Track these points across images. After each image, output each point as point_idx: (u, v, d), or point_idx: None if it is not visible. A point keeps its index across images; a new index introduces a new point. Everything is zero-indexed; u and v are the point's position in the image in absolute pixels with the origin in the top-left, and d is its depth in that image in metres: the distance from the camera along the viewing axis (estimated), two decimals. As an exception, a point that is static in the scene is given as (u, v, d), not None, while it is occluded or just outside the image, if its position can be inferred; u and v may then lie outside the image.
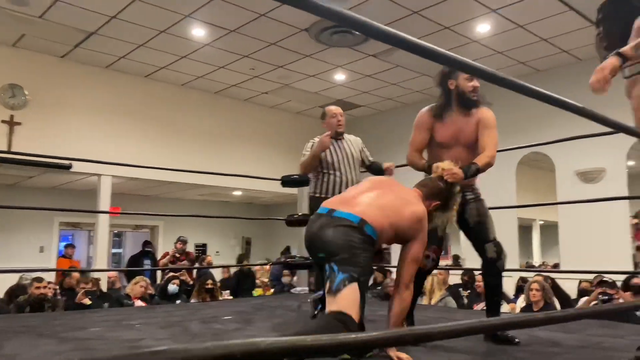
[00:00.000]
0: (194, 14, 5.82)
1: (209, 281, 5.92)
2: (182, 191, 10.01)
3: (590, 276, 5.70)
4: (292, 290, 6.68)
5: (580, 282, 5.94)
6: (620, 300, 4.40)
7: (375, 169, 3.55)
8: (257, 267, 8.03)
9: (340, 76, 7.79)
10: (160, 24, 6.07)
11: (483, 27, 6.09)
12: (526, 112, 7.12)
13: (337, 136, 3.49)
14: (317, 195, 3.43)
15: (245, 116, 9.03)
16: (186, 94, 8.36)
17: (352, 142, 3.56)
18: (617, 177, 6.48)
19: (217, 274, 7.93)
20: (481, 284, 5.56)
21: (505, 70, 7.01)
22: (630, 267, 6.32)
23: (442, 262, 11.66)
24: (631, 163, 7.67)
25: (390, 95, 8.61)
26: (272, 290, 7.48)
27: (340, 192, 3.30)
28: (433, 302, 5.66)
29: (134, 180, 8.09)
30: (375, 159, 3.65)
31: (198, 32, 6.30)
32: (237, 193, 10.48)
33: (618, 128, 1.11)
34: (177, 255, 7.61)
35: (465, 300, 6.18)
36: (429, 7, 5.57)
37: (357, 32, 6.04)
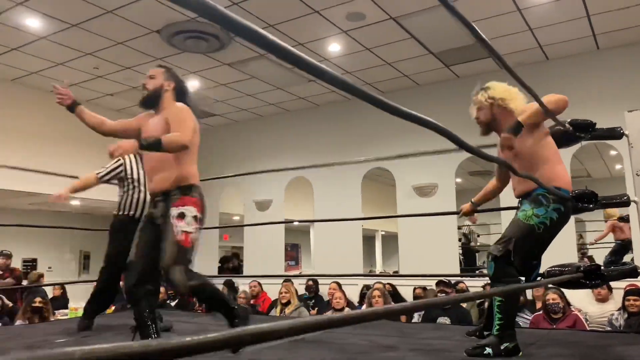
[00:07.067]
0: (28, 2, 5.23)
1: (37, 299, 5.26)
2: (7, 199, 8.86)
3: (423, 283, 6.25)
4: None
5: (415, 288, 6.46)
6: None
7: None
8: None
9: (193, 82, 7.57)
10: (-15, 9, 5.35)
11: (334, 47, 6.38)
12: (372, 129, 7.62)
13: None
14: (124, 214, 3.45)
15: (87, 119, 8.31)
16: (16, 90, 7.44)
17: None
18: (447, 192, 7.21)
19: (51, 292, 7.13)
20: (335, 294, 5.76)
21: (353, 89, 7.41)
22: (457, 272, 7.06)
23: (293, 272, 11.90)
24: (459, 180, 8.60)
25: (245, 105, 8.58)
26: (113, 307, 6.93)
27: (144, 208, 3.34)
28: (287, 312, 5.73)
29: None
30: (228, 168, 3.69)
31: (32, 22, 5.67)
32: (75, 202, 9.58)
33: (458, 143, 1.21)
34: (-1, 272, 6.70)
35: (314, 310, 6.35)
36: (285, 21, 5.69)
37: (213, 38, 5.95)
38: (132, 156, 3.54)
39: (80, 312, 6.15)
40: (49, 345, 2.98)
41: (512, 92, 2.60)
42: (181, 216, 2.43)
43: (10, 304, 6.10)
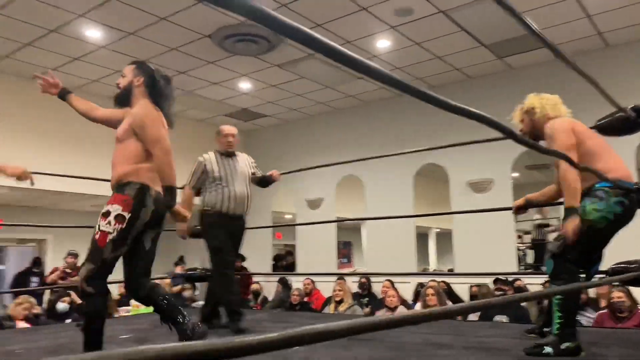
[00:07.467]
0: (88, 14, 5.48)
1: (103, 297, 5.53)
2: (72, 202, 9.33)
3: (479, 281, 6.11)
4: (194, 305, 6.44)
5: (471, 286, 6.32)
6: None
7: (264, 181, 3.90)
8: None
9: (245, 85, 7.72)
10: (50, 22, 5.65)
11: (383, 43, 6.33)
12: (422, 126, 7.51)
13: (227, 154, 3.67)
14: (208, 209, 3.54)
15: (145, 123, 8.62)
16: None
17: (243, 159, 3.76)
18: (503, 187, 7.01)
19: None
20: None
21: (403, 85, 7.34)
22: (515, 270, 6.84)
23: (346, 270, 11.87)
24: (515, 174, 8.33)
25: (294, 106, 8.66)
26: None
27: (229, 205, 3.52)
28: (341, 309, 5.75)
29: (17, 190, 7.41)
30: (279, 168, 3.94)
31: (93, 33, 5.94)
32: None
33: (509, 134, 1.17)
34: (68, 270, 7.08)
35: (367, 308, 6.32)
36: (332, 20, 5.70)
37: (263, 40, 6.05)
38: (212, 155, 3.62)
39: (143, 309, 6.41)
40: (115, 341, 3.12)
41: (542, 101, 2.65)
42: (105, 214, 2.38)
43: (79, 301, 6.43)
